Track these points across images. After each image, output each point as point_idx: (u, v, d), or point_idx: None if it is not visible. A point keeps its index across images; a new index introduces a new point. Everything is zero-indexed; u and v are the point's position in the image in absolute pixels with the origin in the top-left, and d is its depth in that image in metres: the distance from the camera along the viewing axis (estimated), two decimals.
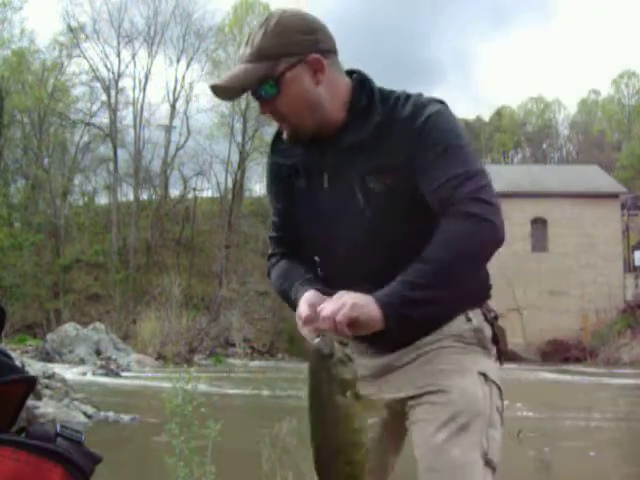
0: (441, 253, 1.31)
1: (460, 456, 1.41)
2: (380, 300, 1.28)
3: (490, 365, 1.54)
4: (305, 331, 1.36)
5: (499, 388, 1.54)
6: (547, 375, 21.65)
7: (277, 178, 1.65)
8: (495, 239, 1.37)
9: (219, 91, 1.43)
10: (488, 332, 1.54)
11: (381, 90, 1.51)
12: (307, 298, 1.40)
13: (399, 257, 1.35)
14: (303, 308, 1.37)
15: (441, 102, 1.50)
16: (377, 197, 1.43)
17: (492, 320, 1.56)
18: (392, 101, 1.47)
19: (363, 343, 1.52)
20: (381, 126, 1.44)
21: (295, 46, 1.39)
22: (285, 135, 1.50)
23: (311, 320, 1.33)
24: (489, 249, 1.38)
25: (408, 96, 1.49)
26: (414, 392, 1.49)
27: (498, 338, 1.57)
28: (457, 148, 1.40)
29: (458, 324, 1.50)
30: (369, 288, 1.33)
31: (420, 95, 1.50)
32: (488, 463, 1.44)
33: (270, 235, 1.74)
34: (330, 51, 1.46)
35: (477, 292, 1.54)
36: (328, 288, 1.44)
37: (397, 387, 1.52)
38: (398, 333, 1.33)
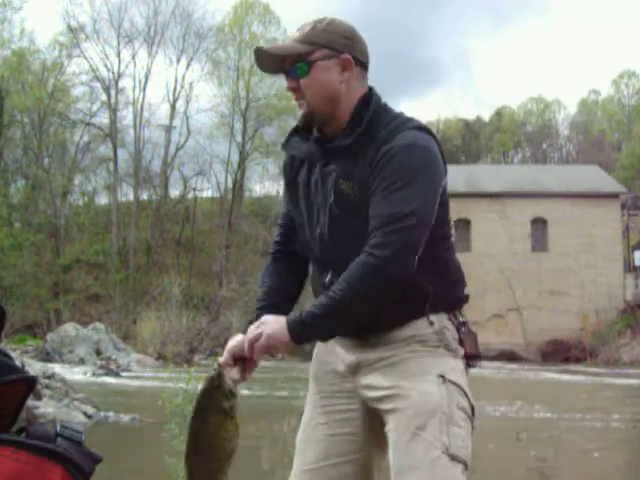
0: (337, 290, 1.51)
1: (422, 455, 1.51)
2: (288, 324, 1.54)
3: (452, 366, 1.64)
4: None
5: (460, 387, 1.62)
6: (547, 375, 21.65)
7: (288, 178, 1.82)
8: (381, 284, 1.51)
9: (261, 56, 1.61)
10: (453, 334, 1.66)
11: (382, 109, 1.65)
12: (230, 345, 1.63)
13: (354, 251, 1.53)
14: (226, 356, 1.62)
15: (420, 129, 1.62)
16: (344, 199, 1.61)
17: (459, 325, 1.68)
18: (383, 119, 1.62)
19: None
20: (361, 138, 1.59)
21: (335, 43, 1.62)
22: (299, 114, 1.66)
23: (228, 364, 1.59)
24: (375, 291, 1.52)
25: (396, 119, 1.63)
26: (381, 393, 1.62)
27: (463, 342, 1.68)
28: (402, 187, 1.51)
29: (422, 328, 1.63)
30: (332, 273, 1.62)
31: (408, 121, 1.62)
32: (454, 458, 1.52)
33: (278, 223, 1.95)
34: (362, 63, 1.69)
35: (440, 300, 1.66)
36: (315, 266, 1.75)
37: (367, 387, 1.66)
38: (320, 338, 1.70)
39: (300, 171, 1.75)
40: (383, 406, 1.61)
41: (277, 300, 1.74)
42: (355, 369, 1.69)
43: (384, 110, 1.65)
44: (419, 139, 1.58)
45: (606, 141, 56.12)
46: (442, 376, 1.59)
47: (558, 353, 29.39)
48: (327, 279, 1.66)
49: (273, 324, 1.55)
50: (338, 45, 1.61)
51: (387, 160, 1.53)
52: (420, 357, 1.62)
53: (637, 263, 31.47)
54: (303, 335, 1.53)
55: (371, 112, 1.62)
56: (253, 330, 1.56)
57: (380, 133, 1.58)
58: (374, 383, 1.63)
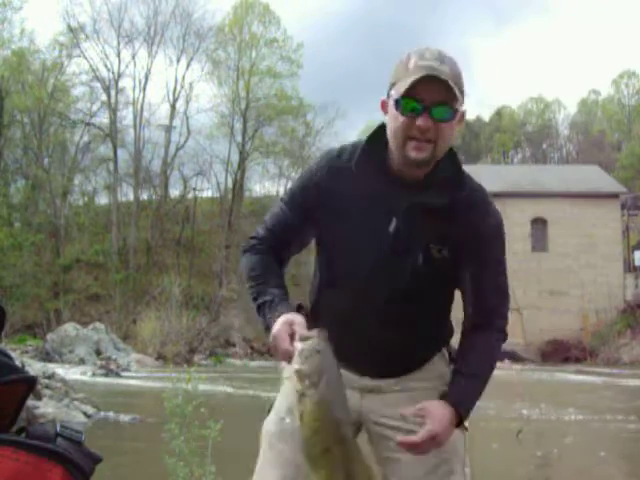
0: (482, 369, 1.64)
1: None
2: (459, 419, 1.58)
3: None
4: (281, 351, 1.45)
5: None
6: (547, 375, 21.66)
7: (313, 191, 1.70)
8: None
9: (431, 83, 1.48)
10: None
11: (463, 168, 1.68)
12: (294, 323, 1.48)
13: (422, 309, 1.65)
14: (286, 343, 1.45)
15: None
16: (433, 263, 1.60)
17: (452, 357, 1.78)
18: (472, 184, 1.66)
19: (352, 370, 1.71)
20: (460, 203, 1.60)
21: (463, 96, 1.56)
22: (416, 154, 1.54)
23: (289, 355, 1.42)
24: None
25: (481, 188, 1.70)
26: (397, 424, 1.64)
27: None
28: (504, 270, 1.73)
29: (441, 366, 1.74)
30: (382, 324, 1.62)
31: (481, 187, 1.70)
32: None
33: (266, 223, 1.79)
34: None
35: (449, 336, 1.79)
36: (316, 310, 1.70)
37: (378, 410, 1.69)
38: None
39: (353, 198, 1.63)
40: (398, 433, 1.62)
41: (285, 295, 1.67)
42: (371, 390, 1.72)
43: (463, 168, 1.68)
44: (500, 216, 1.72)
45: (606, 141, 56.12)
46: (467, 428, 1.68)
47: (558, 353, 29.39)
48: (374, 330, 1.64)
49: (445, 428, 1.53)
50: (463, 98, 1.57)
51: (492, 237, 1.66)
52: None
53: (637, 263, 31.47)
54: (467, 408, 1.61)
55: (465, 173, 1.65)
56: (428, 434, 1.50)
57: (477, 202, 1.64)
58: (390, 408, 1.67)
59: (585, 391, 16.36)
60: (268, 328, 1.52)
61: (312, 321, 1.61)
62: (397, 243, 1.59)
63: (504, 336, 1.69)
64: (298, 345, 1.35)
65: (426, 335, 1.70)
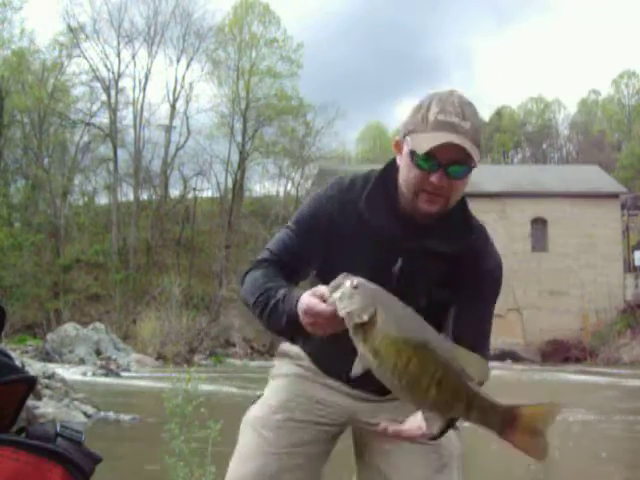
0: None
1: None
2: None
3: None
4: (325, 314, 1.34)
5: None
6: (547, 375, 21.65)
7: (322, 220, 1.66)
8: None
9: (451, 148, 1.47)
10: None
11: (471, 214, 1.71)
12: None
13: None
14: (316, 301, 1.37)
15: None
16: (434, 304, 1.60)
17: None
18: (479, 232, 1.70)
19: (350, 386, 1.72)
20: (468, 251, 1.63)
21: (480, 149, 1.55)
22: (428, 207, 1.55)
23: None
24: None
25: (484, 228, 1.73)
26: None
27: None
28: (493, 308, 1.72)
29: None
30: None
31: (489, 235, 1.74)
32: None
33: (270, 248, 1.71)
34: None
35: None
36: (313, 343, 1.69)
37: (373, 412, 1.71)
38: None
39: (360, 233, 1.61)
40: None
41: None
42: (364, 399, 1.74)
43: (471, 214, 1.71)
44: (499, 257, 1.74)
45: (606, 141, 56.12)
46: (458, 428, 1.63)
47: (558, 353, 29.40)
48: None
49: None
50: (480, 149, 1.56)
51: (489, 277, 1.68)
52: None
53: (637, 263, 31.47)
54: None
55: (473, 220, 1.69)
56: (415, 421, 1.45)
57: (478, 242, 1.68)
58: (388, 414, 1.65)
59: (588, 391, 16.36)
60: (292, 317, 1.43)
61: (305, 337, 1.64)
62: (400, 284, 1.57)
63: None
64: (334, 295, 1.27)
65: None
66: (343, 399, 1.74)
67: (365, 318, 1.20)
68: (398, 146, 1.61)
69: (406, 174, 1.55)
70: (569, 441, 9.03)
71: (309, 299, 1.36)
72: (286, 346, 1.85)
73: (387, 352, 1.20)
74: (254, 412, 1.76)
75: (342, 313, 1.24)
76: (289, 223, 1.72)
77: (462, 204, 1.67)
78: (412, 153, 1.51)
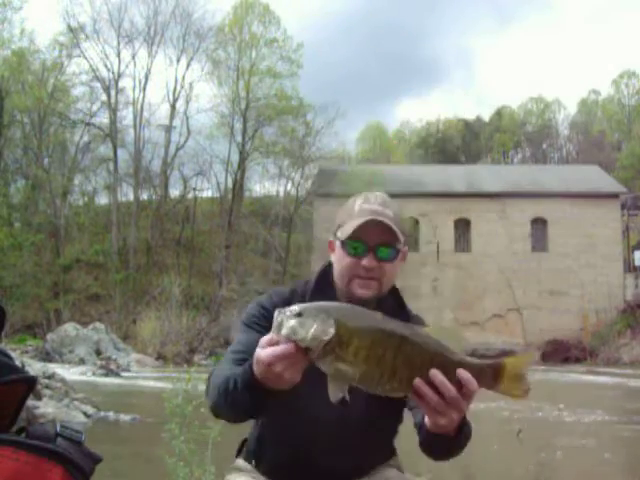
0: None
1: None
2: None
3: None
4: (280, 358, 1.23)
5: None
6: (547, 375, 21.63)
7: (267, 324, 1.54)
8: None
9: (377, 226, 1.58)
10: None
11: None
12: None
13: (365, 443, 1.67)
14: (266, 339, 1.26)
15: None
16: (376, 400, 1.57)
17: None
18: (416, 320, 1.73)
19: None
20: None
21: (404, 237, 1.65)
22: (362, 292, 1.62)
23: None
24: None
25: (420, 318, 1.79)
26: None
27: None
28: None
29: (387, 472, 1.75)
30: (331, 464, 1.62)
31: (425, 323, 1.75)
32: None
33: (229, 353, 1.64)
34: None
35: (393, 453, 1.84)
36: (263, 446, 1.69)
37: None
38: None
39: None
40: None
41: None
42: None
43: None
44: None
45: (606, 141, 56.14)
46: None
47: (558, 353, 29.40)
48: (325, 459, 1.63)
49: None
50: (405, 239, 1.66)
51: None
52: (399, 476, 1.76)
53: (637, 263, 31.48)
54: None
55: (407, 307, 1.76)
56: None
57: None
58: None
59: (586, 391, 16.35)
60: (252, 382, 1.32)
61: (259, 456, 1.69)
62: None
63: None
64: (284, 332, 1.18)
65: (375, 454, 1.74)
66: None
67: (332, 331, 1.17)
68: (331, 245, 1.70)
69: (340, 265, 1.64)
70: (574, 441, 9.03)
71: (264, 351, 1.23)
72: (240, 462, 1.79)
73: (368, 352, 1.19)
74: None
75: (307, 342, 1.17)
76: (234, 346, 1.65)
77: (395, 292, 1.74)
78: (342, 243, 1.62)
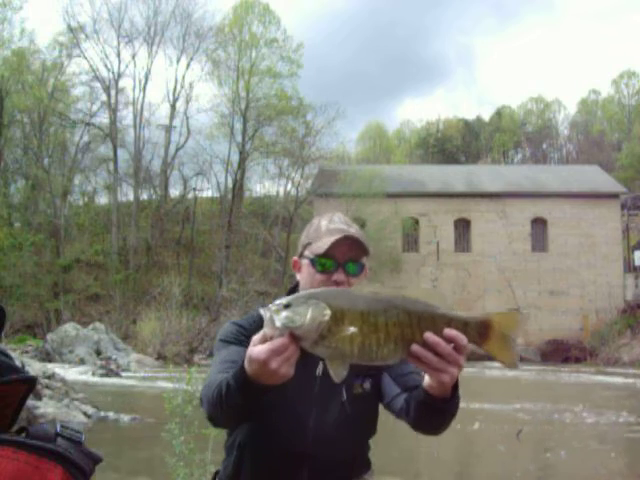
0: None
1: None
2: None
3: None
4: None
5: None
6: (547, 375, 21.63)
7: (245, 338, 1.62)
8: None
9: (350, 242, 1.67)
10: None
11: None
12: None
13: (345, 446, 1.69)
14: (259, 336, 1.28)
15: None
16: (356, 399, 1.70)
17: None
18: None
19: None
20: None
21: (368, 253, 1.74)
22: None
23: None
24: None
25: None
26: None
27: None
28: None
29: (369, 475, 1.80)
30: (311, 468, 1.64)
31: None
32: None
33: (221, 369, 1.64)
34: None
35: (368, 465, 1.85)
36: (244, 453, 1.69)
37: None
38: None
39: None
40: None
41: None
42: None
43: None
44: None
45: (606, 141, 56.15)
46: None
47: (558, 353, 29.40)
48: (305, 475, 1.64)
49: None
50: (368, 253, 1.74)
51: None
52: None
53: (637, 263, 31.48)
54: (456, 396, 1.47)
55: None
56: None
57: None
58: None
59: (586, 391, 16.34)
60: (243, 376, 1.33)
61: (240, 464, 1.69)
62: (324, 385, 1.66)
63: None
64: (279, 323, 1.20)
65: (353, 469, 1.75)
66: None
67: (328, 312, 1.20)
68: (297, 265, 1.77)
69: (310, 282, 1.69)
70: (582, 442, 9.03)
71: (258, 348, 1.24)
72: None
73: (361, 323, 1.22)
74: None
75: (305, 328, 1.19)
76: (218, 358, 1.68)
77: None
78: (312, 261, 1.69)
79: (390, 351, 1.24)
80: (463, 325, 1.27)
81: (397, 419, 1.67)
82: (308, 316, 1.19)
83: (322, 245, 1.66)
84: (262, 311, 1.25)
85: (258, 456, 1.68)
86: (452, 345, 1.25)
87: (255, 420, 1.67)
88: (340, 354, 1.23)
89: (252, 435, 1.69)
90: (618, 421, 10.89)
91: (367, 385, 1.72)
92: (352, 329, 1.21)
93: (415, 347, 1.24)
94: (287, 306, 1.22)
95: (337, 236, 1.65)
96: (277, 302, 1.24)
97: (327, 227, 1.71)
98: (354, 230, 1.71)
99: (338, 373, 1.25)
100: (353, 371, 1.62)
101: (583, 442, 8.97)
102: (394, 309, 1.24)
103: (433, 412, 1.47)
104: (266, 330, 1.24)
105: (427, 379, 1.40)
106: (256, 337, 1.27)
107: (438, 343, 1.23)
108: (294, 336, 1.21)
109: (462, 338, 1.25)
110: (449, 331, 1.25)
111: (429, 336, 1.24)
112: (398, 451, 7.41)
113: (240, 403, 1.40)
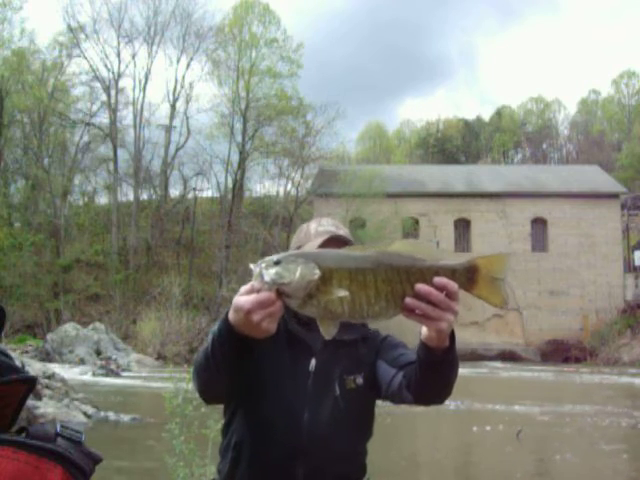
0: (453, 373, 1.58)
1: None
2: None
3: None
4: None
5: None
6: (547, 375, 21.63)
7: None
8: None
9: (338, 241, 1.73)
10: None
11: None
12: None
13: (338, 440, 1.70)
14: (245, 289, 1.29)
15: None
16: (349, 392, 1.73)
17: None
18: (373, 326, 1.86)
19: None
20: (364, 334, 1.81)
21: None
22: None
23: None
24: None
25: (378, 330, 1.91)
26: None
27: None
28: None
29: None
30: (307, 464, 1.65)
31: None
32: None
33: None
34: None
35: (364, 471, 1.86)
36: (240, 452, 1.69)
37: None
38: None
39: (274, 342, 1.58)
40: None
41: None
42: None
43: None
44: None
45: (606, 141, 56.15)
46: None
47: (558, 353, 29.40)
48: (300, 472, 1.65)
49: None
50: None
51: (391, 342, 1.83)
52: None
53: (637, 263, 31.48)
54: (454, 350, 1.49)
55: None
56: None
57: (371, 331, 1.86)
58: None
59: (586, 391, 16.34)
60: (227, 323, 1.34)
61: (236, 464, 1.69)
62: (317, 380, 1.71)
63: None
64: (268, 278, 1.21)
65: (347, 463, 1.76)
66: None
67: (317, 271, 1.22)
68: None
69: None
70: (568, 440, 9.03)
71: (244, 298, 1.26)
72: None
73: (350, 281, 1.24)
74: None
75: (293, 285, 1.21)
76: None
77: None
78: None
79: (382, 308, 1.27)
80: (451, 273, 1.30)
81: (397, 404, 1.70)
82: (297, 274, 1.21)
83: (312, 246, 1.71)
84: (252, 266, 1.27)
85: (254, 453, 1.69)
86: (444, 293, 1.27)
87: (250, 416, 1.70)
88: (330, 313, 1.25)
89: (247, 433, 1.70)
90: (618, 421, 10.88)
91: (360, 380, 1.74)
92: (342, 292, 1.22)
93: (409, 300, 1.27)
94: (277, 263, 1.24)
95: (325, 237, 1.72)
96: (269, 258, 1.26)
97: (316, 230, 1.78)
98: (343, 232, 1.77)
99: (329, 331, 1.27)
100: (344, 364, 1.71)
101: (583, 442, 8.98)
102: (382, 266, 1.26)
103: (435, 368, 1.48)
104: (254, 283, 1.26)
105: (424, 332, 1.42)
106: (244, 287, 1.29)
107: (430, 292, 1.26)
108: (281, 293, 1.23)
109: (452, 284, 1.28)
110: (439, 279, 1.27)
111: (421, 287, 1.26)
112: (398, 453, 7.42)
113: (227, 354, 1.40)
